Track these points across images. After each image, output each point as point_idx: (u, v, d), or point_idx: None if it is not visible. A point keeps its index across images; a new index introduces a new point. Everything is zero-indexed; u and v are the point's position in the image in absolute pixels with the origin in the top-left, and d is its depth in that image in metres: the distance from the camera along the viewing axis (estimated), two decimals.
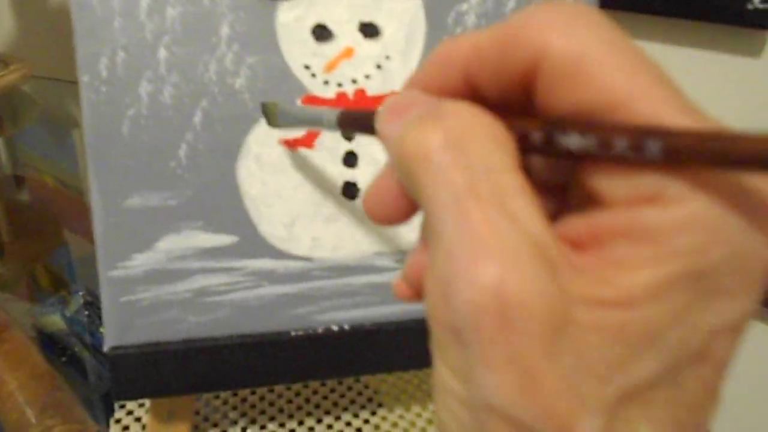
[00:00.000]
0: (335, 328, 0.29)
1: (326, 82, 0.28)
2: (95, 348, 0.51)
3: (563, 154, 0.12)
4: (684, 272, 0.10)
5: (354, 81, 0.28)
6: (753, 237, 0.10)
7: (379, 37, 0.29)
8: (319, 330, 0.29)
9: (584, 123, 0.11)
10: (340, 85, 0.28)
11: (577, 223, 0.12)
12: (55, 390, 0.36)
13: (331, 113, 0.18)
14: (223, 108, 0.28)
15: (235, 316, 0.29)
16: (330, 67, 0.28)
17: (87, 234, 0.67)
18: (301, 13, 0.28)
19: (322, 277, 0.29)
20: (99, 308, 0.55)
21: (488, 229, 0.11)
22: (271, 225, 0.29)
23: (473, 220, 0.11)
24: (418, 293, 0.14)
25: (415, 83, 0.14)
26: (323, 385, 0.37)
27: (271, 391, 0.36)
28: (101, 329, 0.53)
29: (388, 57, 0.29)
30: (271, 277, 0.29)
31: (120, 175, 0.27)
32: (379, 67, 0.29)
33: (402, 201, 0.14)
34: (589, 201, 0.12)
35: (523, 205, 0.11)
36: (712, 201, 0.10)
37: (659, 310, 0.10)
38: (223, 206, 0.28)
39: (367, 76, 0.29)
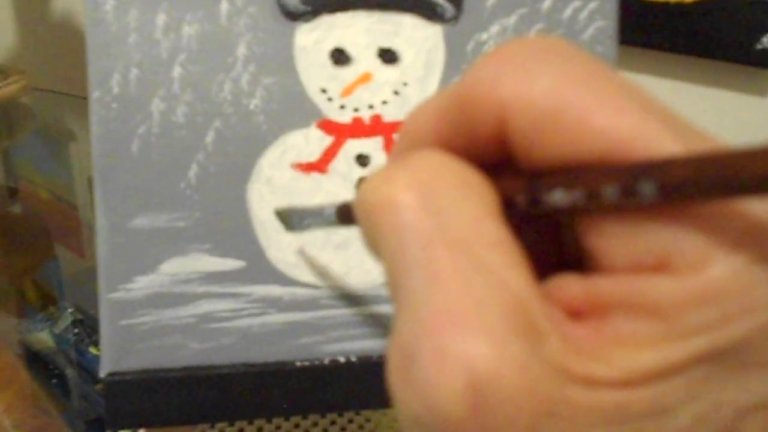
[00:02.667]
0: (342, 359, 0.28)
1: (342, 107, 0.28)
2: (83, 369, 0.49)
3: (553, 213, 0.10)
4: (699, 353, 0.09)
5: (371, 106, 0.28)
6: None
7: (397, 64, 0.28)
8: (326, 361, 0.28)
9: (566, 175, 0.10)
10: (356, 110, 0.28)
11: (573, 286, 0.10)
12: (43, 414, 0.34)
13: (331, 207, 0.17)
14: (236, 129, 0.27)
15: (239, 343, 0.28)
16: (347, 91, 0.28)
17: (78, 249, 0.66)
18: (319, 36, 0.27)
19: (330, 306, 0.28)
20: (89, 327, 0.54)
21: (460, 286, 0.09)
22: (280, 250, 0.28)
23: (443, 274, 0.09)
24: None
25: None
26: (323, 416, 0.36)
27: (270, 421, 0.35)
28: (91, 349, 0.51)
29: (405, 83, 0.28)
30: (278, 304, 0.28)
31: (127, 194, 0.26)
32: (396, 93, 0.28)
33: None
34: (589, 260, 0.10)
35: (501, 258, 0.09)
36: (734, 262, 0.09)
37: (667, 389, 0.09)
38: (232, 229, 0.27)
39: (384, 102, 0.28)
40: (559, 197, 0.10)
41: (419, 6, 0.28)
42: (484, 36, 0.29)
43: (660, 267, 0.09)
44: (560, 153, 0.10)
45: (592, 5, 0.29)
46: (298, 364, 0.28)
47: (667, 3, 0.44)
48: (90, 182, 0.71)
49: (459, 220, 0.10)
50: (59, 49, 0.74)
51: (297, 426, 0.35)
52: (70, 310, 0.55)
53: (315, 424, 0.35)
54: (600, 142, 0.09)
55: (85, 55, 0.26)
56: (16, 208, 0.71)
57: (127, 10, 0.26)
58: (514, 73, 0.10)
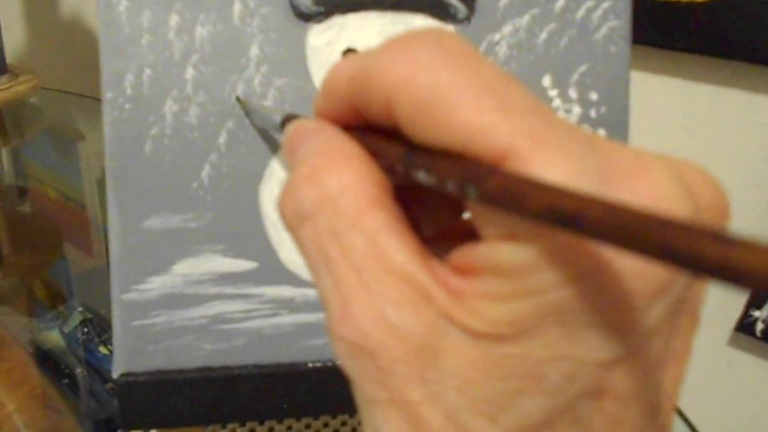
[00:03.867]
0: None
1: None
2: (93, 368, 0.49)
3: (420, 185, 0.12)
4: (543, 308, 0.10)
5: None
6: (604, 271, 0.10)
7: None
8: (338, 362, 0.28)
9: (428, 159, 0.11)
10: None
11: (460, 252, 0.12)
12: (54, 413, 0.34)
13: (280, 115, 0.18)
14: (249, 130, 0.27)
15: (251, 344, 0.28)
16: None
17: (87, 248, 0.66)
18: (332, 37, 0.27)
19: None
20: (99, 326, 0.54)
21: (352, 276, 0.11)
22: (292, 251, 0.28)
23: (339, 271, 0.11)
24: None
25: (316, 110, 0.14)
26: (334, 417, 0.36)
27: (280, 422, 0.35)
28: (100, 348, 0.51)
29: None
30: (290, 305, 0.28)
31: (140, 195, 0.26)
32: None
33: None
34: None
35: (386, 241, 0.11)
36: (558, 242, 0.10)
37: (532, 346, 0.10)
38: (244, 230, 0.27)
39: None
40: (422, 177, 0.12)
41: (431, 6, 0.28)
42: (497, 36, 0.29)
43: (511, 237, 0.10)
44: (433, 138, 0.11)
45: (605, 5, 0.29)
46: (310, 365, 0.28)
47: (679, 2, 0.44)
48: (99, 182, 0.71)
49: (347, 226, 0.11)
50: (68, 50, 0.75)
51: (308, 427, 0.35)
52: (79, 309, 0.55)
53: (326, 425, 0.35)
54: (461, 135, 0.11)
55: (94, 56, 0.26)
56: (26, 207, 0.72)
57: (141, 11, 0.26)
58: (403, 64, 0.11)
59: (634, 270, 0.10)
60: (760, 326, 0.47)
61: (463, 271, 0.11)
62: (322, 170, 0.12)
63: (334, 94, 0.14)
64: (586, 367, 0.10)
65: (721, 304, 0.48)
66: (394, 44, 0.12)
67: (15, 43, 0.77)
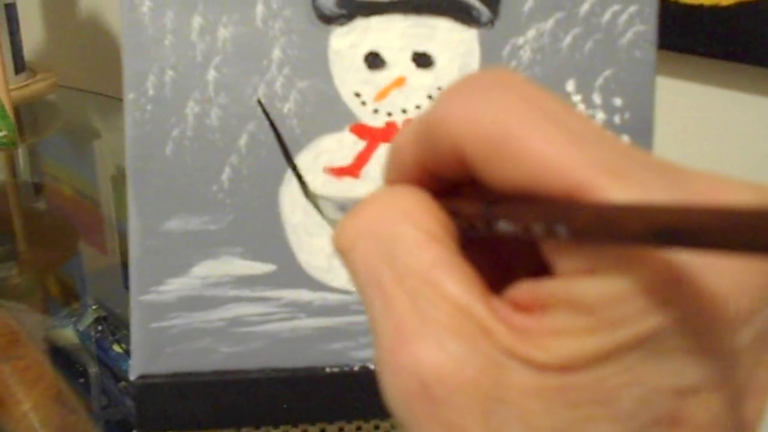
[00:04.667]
0: (372, 366, 0.28)
1: (376, 111, 0.27)
2: (106, 367, 0.49)
3: (503, 236, 0.12)
4: (625, 339, 0.10)
5: (404, 111, 0.28)
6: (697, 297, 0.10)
7: (432, 68, 0.28)
8: (356, 367, 0.28)
9: (508, 208, 0.11)
10: (389, 114, 0.28)
11: (525, 287, 0.11)
12: (70, 412, 0.34)
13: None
14: (269, 132, 0.27)
15: (269, 348, 0.27)
16: (381, 95, 0.27)
17: (101, 246, 0.66)
18: (354, 40, 0.27)
19: (361, 312, 0.28)
20: (113, 325, 0.54)
21: (407, 307, 0.11)
22: (311, 254, 0.28)
23: (393, 301, 0.11)
24: None
25: (386, 182, 0.14)
26: (349, 422, 0.36)
27: (296, 426, 0.35)
28: (114, 347, 0.51)
29: (440, 88, 0.28)
30: (308, 309, 0.28)
31: (160, 197, 0.26)
32: (430, 97, 0.28)
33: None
34: (545, 268, 0.12)
35: (443, 274, 0.11)
36: (643, 270, 0.10)
37: (606, 373, 0.10)
38: (264, 233, 0.27)
39: (417, 107, 0.28)
40: (503, 227, 0.12)
41: (455, 10, 0.28)
42: (521, 40, 0.28)
43: (589, 272, 0.10)
44: (506, 177, 0.11)
45: (631, 9, 0.28)
46: (328, 370, 0.28)
47: (702, 5, 0.43)
48: (114, 180, 0.72)
49: (404, 251, 0.11)
50: (86, 48, 0.75)
51: (323, 431, 0.35)
52: (93, 306, 0.56)
53: (340, 430, 0.35)
54: (533, 169, 0.11)
55: (112, 54, 0.26)
56: (41, 204, 0.72)
57: (164, 12, 0.26)
58: (465, 106, 0.11)
59: (723, 290, 0.10)
60: None
61: (525, 307, 0.11)
62: (386, 203, 0.12)
63: (400, 161, 0.13)
64: (661, 394, 0.10)
65: None
66: (452, 91, 0.12)
67: (33, 41, 0.77)
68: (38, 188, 0.74)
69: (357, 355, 0.28)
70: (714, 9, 0.43)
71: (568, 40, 0.29)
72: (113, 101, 0.72)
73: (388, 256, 0.11)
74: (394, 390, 0.11)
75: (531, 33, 0.28)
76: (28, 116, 0.67)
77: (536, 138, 0.11)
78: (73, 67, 0.75)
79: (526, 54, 0.28)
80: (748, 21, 0.42)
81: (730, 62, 0.44)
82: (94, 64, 0.71)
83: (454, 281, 0.11)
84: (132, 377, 0.27)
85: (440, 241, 0.12)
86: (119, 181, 0.69)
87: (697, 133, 0.47)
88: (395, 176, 0.14)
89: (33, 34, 0.77)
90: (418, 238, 0.11)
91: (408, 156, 0.13)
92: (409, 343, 0.10)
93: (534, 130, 0.11)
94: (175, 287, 0.27)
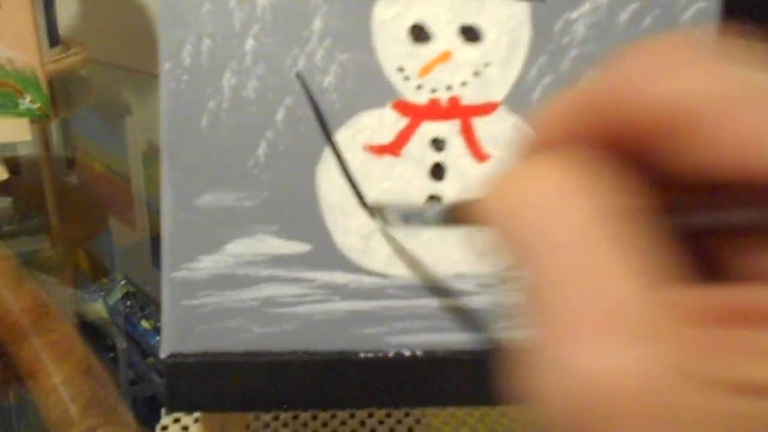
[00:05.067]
0: (407, 352, 0.27)
1: (419, 87, 0.26)
2: (135, 342, 0.49)
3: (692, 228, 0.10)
4: None
5: (449, 87, 0.26)
6: None
7: (479, 42, 0.26)
8: (390, 353, 0.27)
9: (709, 197, 0.10)
10: (433, 90, 0.26)
11: (718, 294, 0.10)
12: (100, 387, 0.34)
13: (435, 209, 0.17)
14: (308, 107, 0.26)
15: (302, 330, 0.27)
16: (425, 70, 0.26)
17: (131, 222, 0.67)
18: (399, 11, 0.26)
19: (397, 296, 0.27)
20: (141, 301, 0.54)
21: (569, 298, 0.09)
22: (347, 235, 0.27)
23: (553, 288, 0.10)
24: None
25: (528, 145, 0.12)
26: (380, 409, 0.35)
27: (326, 410, 0.34)
28: (143, 323, 0.51)
29: (487, 64, 0.26)
30: (343, 291, 0.27)
31: (194, 171, 0.25)
32: (476, 74, 0.26)
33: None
34: (719, 269, 0.10)
35: (610, 266, 0.09)
36: None
37: None
38: (300, 211, 0.26)
39: (463, 83, 0.26)
40: (698, 218, 0.10)
41: None
42: (574, 14, 0.27)
43: None
44: (708, 159, 0.10)
45: None
46: (362, 355, 0.27)
47: None
48: (144, 156, 0.72)
49: (569, 231, 0.10)
50: (119, 23, 0.75)
51: (353, 416, 0.34)
52: (122, 282, 0.56)
53: (370, 415, 0.34)
54: (748, 152, 0.09)
55: (145, 30, 0.25)
56: (73, 179, 0.72)
57: None
58: (664, 77, 0.10)
59: None
60: None
61: (715, 318, 0.10)
62: (547, 176, 0.11)
63: (544, 139, 0.12)
64: None
65: None
66: (640, 60, 0.10)
67: (67, 15, 0.77)
68: (70, 163, 0.74)
69: (392, 341, 0.27)
70: None
71: (625, 15, 0.27)
72: (146, 77, 0.72)
73: (550, 239, 0.10)
74: (548, 388, 0.10)
75: (586, 7, 0.27)
76: (60, 90, 0.67)
77: (756, 117, 0.09)
78: (106, 42, 0.75)
79: (579, 29, 0.27)
80: None
81: None
82: (128, 39, 0.70)
83: (622, 281, 0.09)
84: (162, 355, 0.26)
85: (610, 224, 0.10)
86: (150, 157, 0.69)
87: None
88: (543, 147, 0.12)
89: (66, 8, 0.77)
90: (586, 219, 0.10)
91: (556, 135, 0.12)
92: (571, 341, 0.09)
93: (754, 109, 0.09)
94: (207, 265, 0.26)
